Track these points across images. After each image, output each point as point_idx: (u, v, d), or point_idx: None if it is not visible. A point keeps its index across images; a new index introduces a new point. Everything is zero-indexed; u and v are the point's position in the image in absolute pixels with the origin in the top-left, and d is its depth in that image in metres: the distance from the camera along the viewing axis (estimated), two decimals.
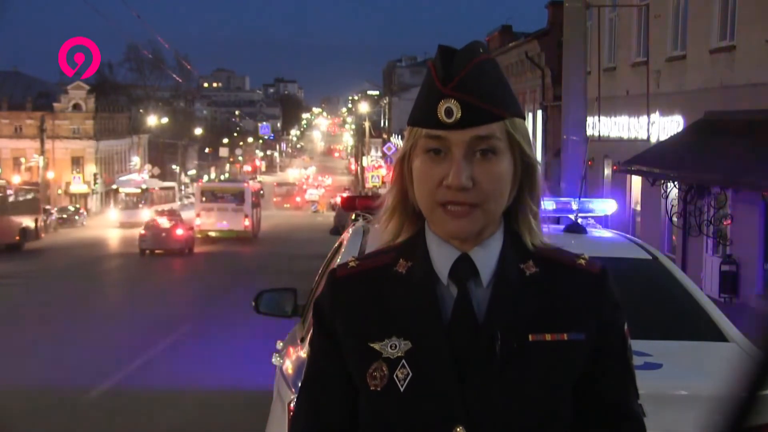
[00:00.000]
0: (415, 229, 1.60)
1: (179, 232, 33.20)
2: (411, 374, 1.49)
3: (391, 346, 1.51)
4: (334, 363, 1.57)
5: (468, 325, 1.50)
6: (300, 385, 1.66)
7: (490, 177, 1.49)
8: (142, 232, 33.05)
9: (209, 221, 40.25)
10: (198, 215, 40.58)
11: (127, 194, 57.59)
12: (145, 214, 48.06)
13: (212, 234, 39.45)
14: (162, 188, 62.61)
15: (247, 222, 40.47)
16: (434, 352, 1.49)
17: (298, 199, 79.87)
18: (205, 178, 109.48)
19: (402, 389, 1.49)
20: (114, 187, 63.79)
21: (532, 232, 1.58)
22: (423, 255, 1.56)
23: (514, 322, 1.50)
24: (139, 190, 57.81)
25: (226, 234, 39.58)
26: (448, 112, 1.48)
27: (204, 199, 41.34)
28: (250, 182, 51.06)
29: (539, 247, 1.58)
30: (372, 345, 1.53)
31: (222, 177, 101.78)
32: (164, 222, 33.91)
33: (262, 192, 53.53)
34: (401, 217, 1.61)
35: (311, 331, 1.69)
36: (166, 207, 54.29)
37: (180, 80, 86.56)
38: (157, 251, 32.24)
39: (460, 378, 1.47)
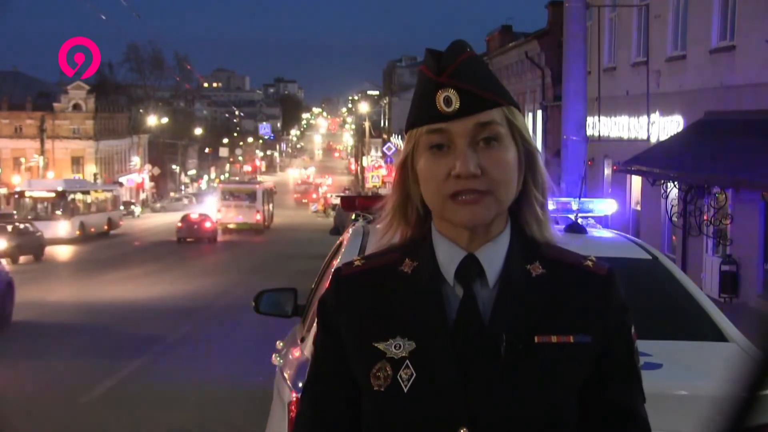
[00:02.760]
0: (422, 231, 1.59)
1: (207, 225, 41.25)
2: (415, 375, 1.48)
3: (395, 346, 1.51)
4: (337, 362, 1.57)
5: (473, 326, 1.50)
6: (303, 383, 1.66)
7: (497, 164, 1.49)
8: (179, 225, 40.98)
9: (228, 216, 48.32)
10: (219, 210, 48.47)
11: (34, 199, 41.76)
12: (61, 227, 38.17)
13: (231, 226, 47.62)
14: (95, 191, 47.96)
15: (258, 216, 48.79)
16: (439, 353, 1.48)
17: (314, 195, 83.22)
18: (205, 177, 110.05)
19: (406, 390, 1.48)
20: (18, 189, 44.45)
21: (541, 223, 1.58)
22: (429, 255, 1.56)
23: (519, 323, 1.50)
24: (52, 195, 41.70)
25: (242, 226, 47.93)
26: (447, 101, 1.48)
27: (226, 197, 49.52)
28: (263, 183, 57.70)
29: (546, 247, 1.58)
30: (376, 345, 1.52)
31: (222, 177, 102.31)
32: (195, 217, 42.08)
33: (275, 191, 60.17)
34: (402, 222, 1.61)
35: (315, 329, 1.68)
36: (101, 217, 44.39)
37: (178, 79, 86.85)
38: (188, 239, 40.31)
39: (464, 379, 1.46)
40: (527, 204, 1.57)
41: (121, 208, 53.20)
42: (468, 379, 1.46)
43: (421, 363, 1.49)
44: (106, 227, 44.97)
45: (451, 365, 1.47)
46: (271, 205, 54.51)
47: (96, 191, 47.66)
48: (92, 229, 43.07)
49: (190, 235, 40.58)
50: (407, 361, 1.49)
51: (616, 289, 1.57)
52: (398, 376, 1.49)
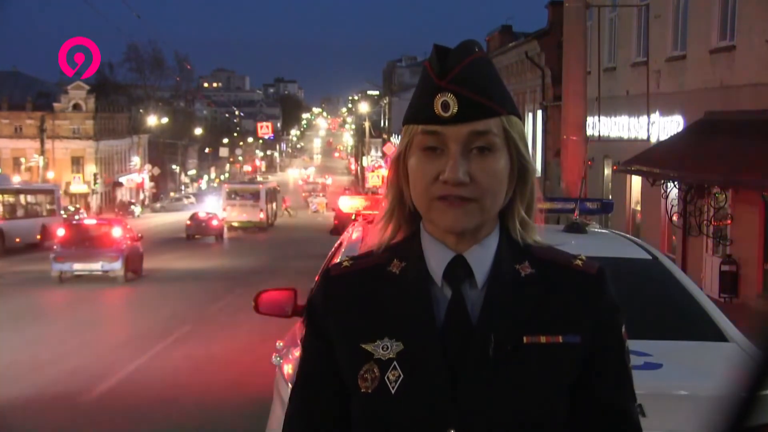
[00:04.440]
0: (411, 231, 1.59)
1: (214, 223, 43.81)
2: (402, 376, 1.47)
3: (382, 348, 1.50)
4: (325, 363, 1.56)
5: (461, 327, 1.48)
6: (293, 385, 1.65)
7: (487, 173, 1.47)
8: (188, 223, 43.43)
9: (233, 214, 50.65)
10: (224, 209, 50.89)
11: None
12: None
13: (235, 224, 49.79)
14: (24, 192, 37.28)
15: (262, 215, 51.55)
16: (426, 354, 1.47)
17: (321, 194, 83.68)
18: (205, 177, 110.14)
19: (393, 391, 1.47)
20: None
21: (519, 234, 1.56)
22: (417, 255, 1.55)
23: (508, 324, 1.48)
24: None
25: (246, 224, 50.38)
26: (445, 106, 1.46)
27: (232, 196, 52.26)
28: (267, 183, 60.42)
29: (535, 247, 1.56)
30: (364, 346, 1.51)
31: (222, 177, 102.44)
32: (203, 216, 44.72)
33: (278, 190, 63.39)
34: (398, 219, 1.59)
35: (303, 330, 1.68)
36: (31, 225, 34.20)
37: (178, 79, 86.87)
38: (197, 236, 42.65)
39: (452, 381, 1.45)
40: (510, 214, 1.56)
41: (61, 213, 41.13)
42: (456, 380, 1.45)
43: (409, 364, 1.48)
44: (39, 237, 34.60)
45: (438, 366, 1.46)
46: (274, 204, 57.65)
47: (25, 192, 37.46)
48: (17, 240, 33.39)
49: (198, 233, 43.12)
50: (395, 362, 1.48)
51: (606, 288, 1.55)
52: (386, 378, 1.48)
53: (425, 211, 1.52)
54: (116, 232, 23.36)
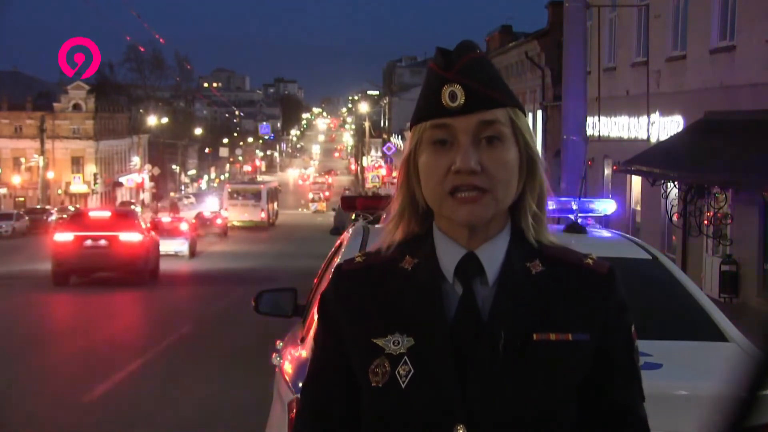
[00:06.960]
0: (423, 229, 1.60)
1: (219, 221, 47.14)
2: (413, 371, 1.49)
3: (393, 342, 1.52)
4: (337, 358, 1.58)
5: (472, 323, 1.50)
6: (304, 379, 1.67)
7: (498, 163, 1.49)
8: (193, 221, 44.86)
9: (235, 213, 52.66)
10: (226, 209, 53.10)
11: None
12: None
13: (236, 223, 51.44)
14: None
15: (263, 214, 53.61)
16: (437, 350, 1.49)
17: (326, 193, 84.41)
18: (205, 177, 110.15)
19: (403, 386, 1.49)
20: None
21: (530, 230, 1.58)
22: (429, 252, 1.56)
23: (518, 321, 1.50)
24: None
25: (247, 223, 52.38)
26: (452, 96, 1.49)
27: (234, 196, 54.21)
28: (269, 183, 62.12)
29: (546, 246, 1.58)
30: (375, 341, 1.53)
31: (222, 177, 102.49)
32: (208, 215, 48.25)
33: (279, 189, 65.84)
34: (410, 220, 1.61)
35: (315, 325, 1.69)
36: None
37: (178, 79, 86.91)
38: (201, 234, 44.02)
39: (462, 376, 1.47)
40: (522, 209, 1.57)
41: None
42: (466, 376, 1.47)
43: (420, 359, 1.49)
44: None
45: (449, 362, 1.48)
46: (275, 204, 59.47)
47: None
48: None
49: (203, 231, 44.91)
50: (405, 357, 1.50)
51: (616, 288, 1.57)
52: (396, 372, 1.50)
53: (438, 207, 1.53)
54: (183, 226, 33.86)
